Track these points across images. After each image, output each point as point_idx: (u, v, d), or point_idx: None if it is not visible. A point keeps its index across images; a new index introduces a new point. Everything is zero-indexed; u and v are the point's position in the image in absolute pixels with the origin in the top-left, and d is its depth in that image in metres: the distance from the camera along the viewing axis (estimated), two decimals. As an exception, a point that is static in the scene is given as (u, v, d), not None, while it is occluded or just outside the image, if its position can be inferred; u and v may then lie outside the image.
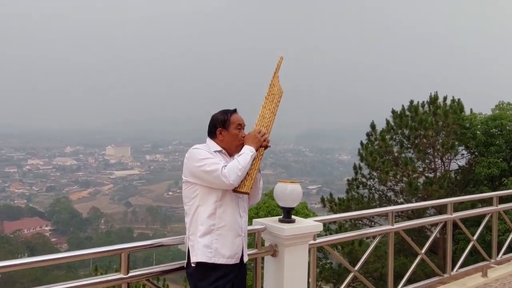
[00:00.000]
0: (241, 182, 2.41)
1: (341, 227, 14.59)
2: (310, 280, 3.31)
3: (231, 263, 2.43)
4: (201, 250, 2.39)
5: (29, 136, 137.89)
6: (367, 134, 16.22)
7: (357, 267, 3.56)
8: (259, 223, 3.04)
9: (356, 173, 16.17)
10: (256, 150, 2.52)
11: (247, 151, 2.46)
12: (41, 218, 63.82)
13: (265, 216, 15.45)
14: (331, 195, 16.39)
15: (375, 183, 16.00)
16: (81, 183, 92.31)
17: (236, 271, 2.50)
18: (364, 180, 16.06)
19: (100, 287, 2.36)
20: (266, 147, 2.57)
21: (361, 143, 16.11)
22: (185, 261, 2.52)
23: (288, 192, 2.98)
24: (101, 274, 9.49)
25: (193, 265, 2.41)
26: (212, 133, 2.59)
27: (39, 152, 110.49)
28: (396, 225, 3.87)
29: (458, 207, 10.37)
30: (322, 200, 16.29)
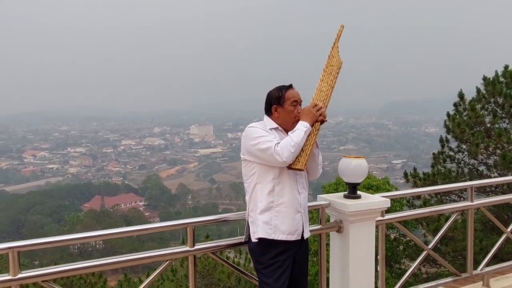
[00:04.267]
0: (296, 158, 2.38)
1: (425, 202, 13.95)
2: (379, 257, 3.22)
3: (291, 239, 2.44)
4: (261, 227, 2.42)
5: (122, 119, 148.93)
6: (455, 104, 15.12)
7: (431, 245, 3.38)
8: (323, 199, 3.00)
9: (442, 146, 15.26)
10: (312, 125, 2.45)
11: (301, 127, 2.41)
12: (135, 194, 68.65)
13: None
14: (415, 169, 15.62)
15: (464, 156, 14.99)
16: (169, 161, 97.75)
17: (297, 247, 2.50)
18: (451, 153, 15.11)
19: (168, 258, 2.50)
20: (322, 121, 2.48)
21: (448, 114, 15.11)
22: (245, 236, 2.58)
23: (352, 167, 2.89)
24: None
25: (254, 240, 2.46)
26: (268, 111, 2.57)
27: (131, 133, 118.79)
28: (477, 202, 3.58)
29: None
30: (405, 175, 15.60)
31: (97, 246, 39.55)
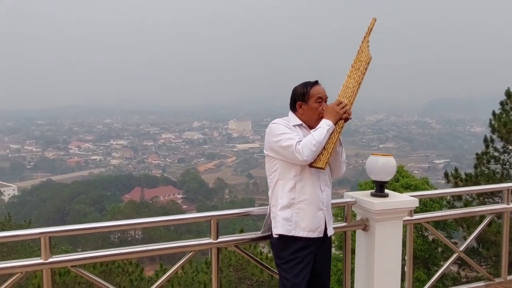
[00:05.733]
0: (317, 157, 2.36)
1: (467, 204, 13.49)
2: (406, 257, 3.15)
3: (312, 236, 2.42)
4: (281, 223, 2.42)
5: (163, 113, 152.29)
6: (501, 103, 14.49)
7: (462, 248, 3.27)
8: (349, 196, 2.97)
9: (487, 146, 14.67)
10: (335, 123, 2.41)
11: (324, 125, 2.38)
12: (174, 186, 69.89)
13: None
14: (456, 170, 15.09)
15: (510, 157, 14.36)
16: (207, 155, 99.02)
17: (319, 244, 2.49)
18: (496, 154, 14.50)
19: (192, 249, 2.56)
20: (346, 119, 2.44)
21: (493, 113, 14.50)
22: (266, 230, 2.59)
23: (380, 165, 2.84)
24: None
25: (275, 236, 2.47)
26: (292, 107, 2.56)
27: (171, 127, 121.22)
28: (513, 204, 3.43)
29: None
30: (446, 175, 15.14)
31: (136, 236, 40.75)
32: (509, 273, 3.49)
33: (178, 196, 66.42)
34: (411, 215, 3.08)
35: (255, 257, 2.80)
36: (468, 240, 3.31)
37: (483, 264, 11.37)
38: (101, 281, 2.42)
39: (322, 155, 2.36)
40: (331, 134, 2.40)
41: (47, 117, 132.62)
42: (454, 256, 3.31)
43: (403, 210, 2.87)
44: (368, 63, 2.55)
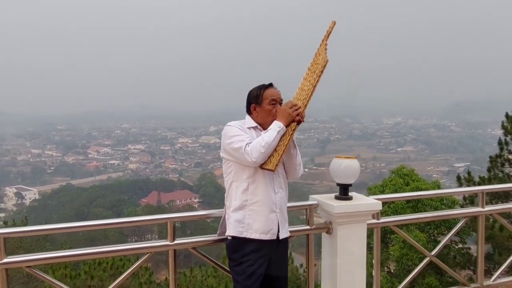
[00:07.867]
0: (268, 159, 2.36)
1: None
2: (374, 261, 3.11)
3: (264, 238, 2.42)
4: (233, 225, 2.43)
5: (179, 117, 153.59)
6: (514, 104, 14.23)
7: (434, 252, 3.21)
8: (312, 199, 2.95)
9: (501, 149, 14.35)
10: (287, 125, 2.41)
11: (274, 127, 2.39)
12: (190, 191, 70.26)
13: (391, 192, 14.67)
14: (469, 173, 14.84)
15: (525, 160, 14.02)
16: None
17: (273, 247, 2.47)
18: (511, 157, 14.17)
19: (148, 251, 2.58)
20: (299, 122, 2.43)
21: (507, 115, 14.20)
22: (219, 232, 2.61)
23: (343, 168, 2.82)
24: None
25: (228, 238, 2.47)
26: (248, 109, 2.58)
27: (187, 132, 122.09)
28: (488, 208, 3.35)
29: None
30: (458, 179, 14.88)
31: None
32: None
33: (195, 200, 66.66)
34: (377, 218, 3.04)
35: (212, 259, 2.81)
36: (441, 245, 3.24)
37: (497, 269, 11.12)
38: (59, 283, 2.46)
39: (273, 157, 2.36)
40: (283, 136, 2.39)
41: (67, 122, 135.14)
42: (426, 260, 3.25)
43: (366, 213, 2.83)
44: (324, 66, 2.52)
